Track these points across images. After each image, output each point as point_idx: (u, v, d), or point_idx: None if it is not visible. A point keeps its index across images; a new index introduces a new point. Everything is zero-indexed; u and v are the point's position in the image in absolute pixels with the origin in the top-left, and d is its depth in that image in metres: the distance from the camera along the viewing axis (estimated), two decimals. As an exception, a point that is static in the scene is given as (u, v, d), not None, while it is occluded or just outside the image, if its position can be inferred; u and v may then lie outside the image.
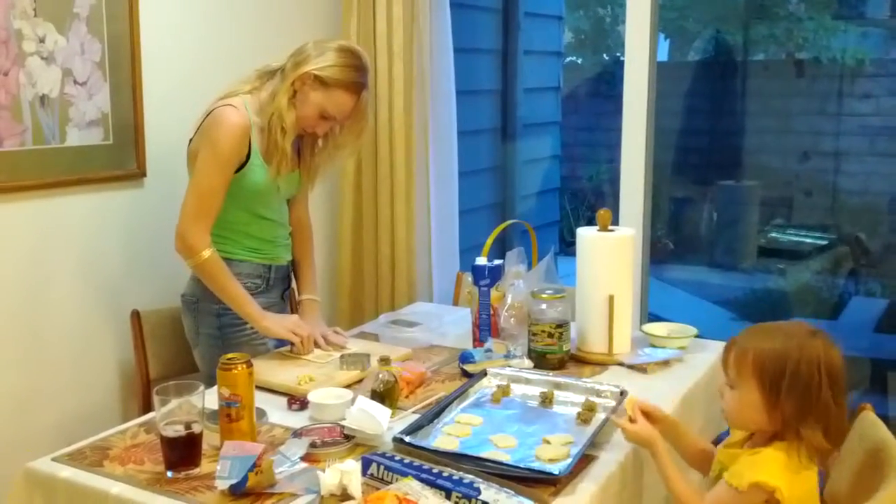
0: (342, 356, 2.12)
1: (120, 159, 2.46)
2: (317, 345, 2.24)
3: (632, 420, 1.67)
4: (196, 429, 1.59)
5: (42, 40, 2.23)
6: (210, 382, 1.70)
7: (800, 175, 4.30)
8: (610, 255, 2.22)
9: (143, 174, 2.51)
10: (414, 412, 1.86)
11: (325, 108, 2.16)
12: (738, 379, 1.52)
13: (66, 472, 1.60)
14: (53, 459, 1.65)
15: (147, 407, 2.31)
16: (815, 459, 1.49)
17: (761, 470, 1.47)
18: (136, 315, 2.44)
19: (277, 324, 2.19)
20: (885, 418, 1.75)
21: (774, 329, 1.55)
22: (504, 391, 1.96)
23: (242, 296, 2.17)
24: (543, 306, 2.17)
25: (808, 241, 4.34)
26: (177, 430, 1.57)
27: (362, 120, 2.25)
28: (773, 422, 1.50)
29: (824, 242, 4.30)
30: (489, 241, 2.44)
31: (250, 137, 2.15)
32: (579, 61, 5.45)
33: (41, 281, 2.30)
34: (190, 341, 2.30)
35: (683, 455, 1.76)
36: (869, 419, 1.73)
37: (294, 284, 2.45)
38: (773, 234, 4.45)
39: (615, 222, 2.30)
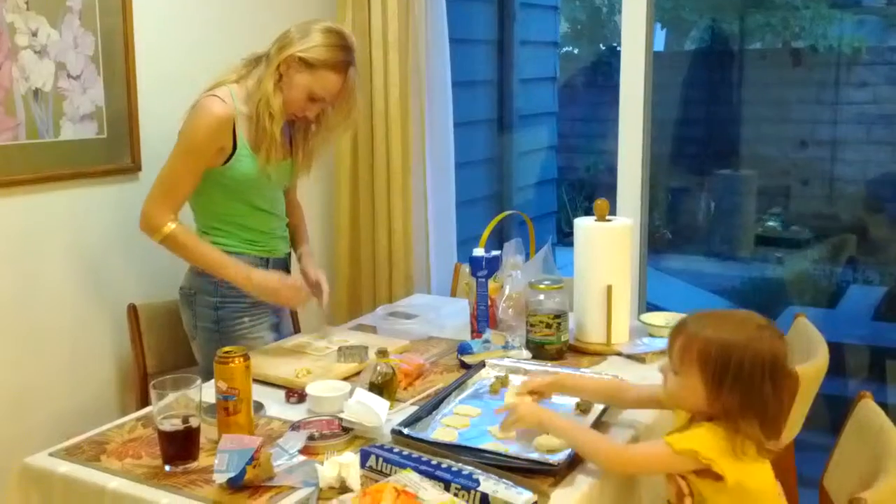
0: (340, 348, 2.12)
1: (114, 153, 2.45)
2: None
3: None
4: (193, 422, 1.58)
5: (35, 34, 2.21)
6: (208, 376, 1.70)
7: (797, 164, 4.29)
8: (608, 245, 2.21)
9: (138, 168, 2.50)
10: (412, 404, 1.86)
11: (313, 90, 2.14)
12: (681, 366, 1.50)
13: (64, 468, 1.60)
14: (50, 454, 1.65)
15: (144, 401, 2.31)
16: (759, 452, 1.47)
17: (699, 441, 1.46)
18: (132, 309, 2.43)
19: (269, 292, 2.19)
20: (884, 406, 1.75)
21: (724, 318, 1.53)
22: (502, 382, 1.96)
23: (219, 259, 2.16)
24: (541, 297, 2.16)
25: (806, 229, 4.34)
26: (174, 424, 1.57)
27: (351, 98, 2.22)
28: (712, 409, 1.49)
29: (822, 231, 4.29)
30: (486, 232, 2.43)
31: (235, 128, 2.13)
32: (575, 51, 5.43)
33: (36, 276, 2.29)
34: (188, 334, 2.30)
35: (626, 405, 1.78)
36: (868, 407, 1.73)
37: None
38: (771, 223, 4.45)
39: (613, 212, 2.30)
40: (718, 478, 1.45)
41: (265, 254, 2.27)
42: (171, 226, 2.12)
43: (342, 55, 2.15)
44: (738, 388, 1.45)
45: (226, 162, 2.15)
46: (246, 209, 2.22)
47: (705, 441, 1.46)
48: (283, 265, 2.35)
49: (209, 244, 2.19)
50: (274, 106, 2.12)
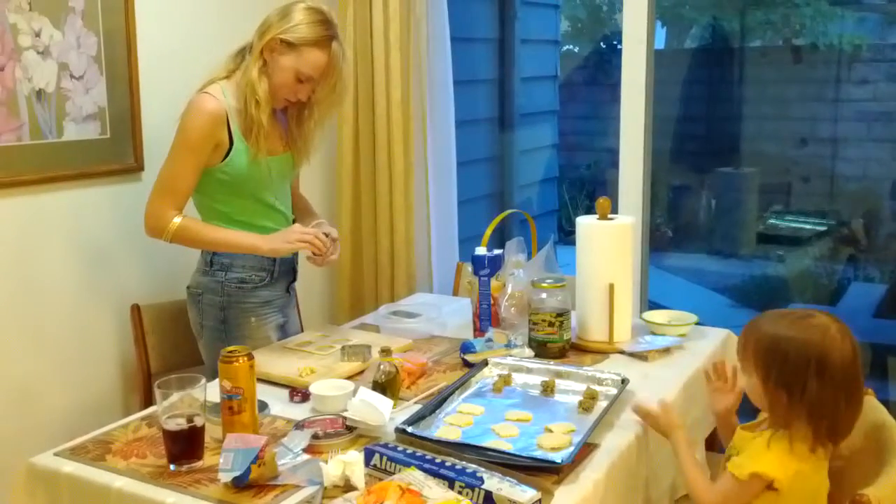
0: (343, 347, 2.12)
1: (117, 153, 2.46)
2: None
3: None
4: (198, 422, 1.58)
5: (38, 34, 2.22)
6: (214, 375, 1.70)
7: (798, 161, 4.29)
8: (610, 243, 2.22)
9: (141, 168, 2.51)
10: (416, 402, 1.86)
11: (300, 70, 2.12)
12: (743, 362, 1.54)
13: (69, 467, 1.60)
14: (56, 454, 1.65)
15: (148, 401, 2.31)
16: (820, 451, 1.49)
17: (760, 459, 1.49)
18: (136, 309, 2.44)
19: (281, 242, 2.15)
20: (885, 403, 1.76)
21: (788, 315, 1.54)
22: (505, 380, 1.96)
23: (234, 236, 2.17)
24: (544, 295, 2.17)
25: (808, 226, 4.34)
26: (179, 424, 1.57)
27: (335, 72, 2.17)
28: (768, 407, 1.52)
29: (823, 228, 4.30)
30: (488, 231, 2.43)
31: (229, 124, 2.13)
32: (576, 50, 5.43)
33: (40, 276, 2.30)
34: (195, 333, 2.30)
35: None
36: (870, 404, 1.73)
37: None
38: (772, 221, 4.45)
39: (614, 211, 2.30)
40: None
41: (272, 254, 2.26)
42: (176, 220, 2.12)
43: (323, 30, 2.12)
44: (782, 381, 1.46)
45: (224, 158, 2.15)
46: (251, 205, 2.22)
47: (765, 456, 1.49)
48: (291, 265, 2.35)
49: (218, 226, 2.19)
50: (259, 92, 2.11)
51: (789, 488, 1.48)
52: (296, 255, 2.36)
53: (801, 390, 1.45)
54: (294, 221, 2.34)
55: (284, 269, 2.32)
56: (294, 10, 2.13)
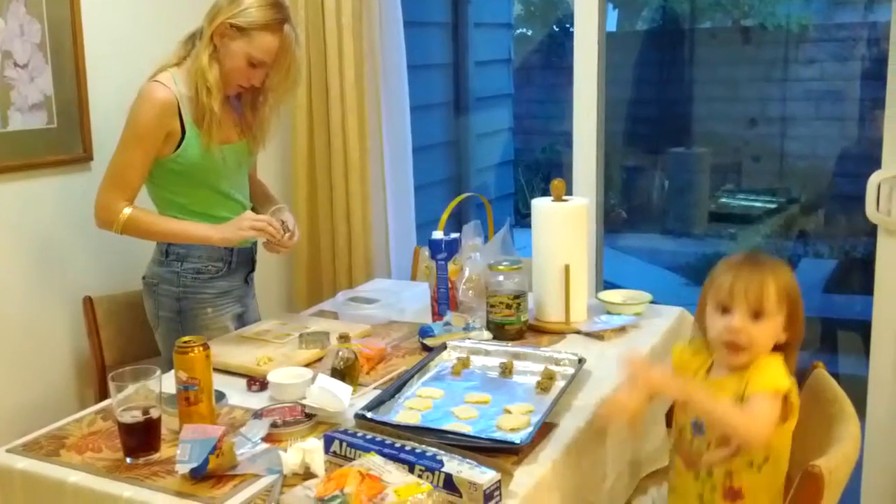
0: (301, 335, 2.11)
1: (65, 143, 2.41)
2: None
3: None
4: (154, 414, 1.57)
5: (-22, 22, 2.16)
6: (171, 366, 1.68)
7: (748, 141, 4.36)
8: (565, 224, 2.23)
9: (90, 157, 2.46)
10: (375, 388, 1.86)
11: (251, 55, 2.08)
12: (775, 306, 1.55)
13: (22, 463, 1.57)
14: (8, 451, 1.62)
15: (103, 394, 2.28)
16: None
17: (777, 376, 1.53)
18: (88, 301, 2.40)
19: (233, 230, 2.12)
20: (835, 376, 1.79)
21: (775, 262, 1.62)
22: (464, 363, 1.97)
23: (185, 227, 2.15)
24: (501, 278, 2.18)
25: (758, 205, 4.41)
26: (134, 416, 1.55)
27: (288, 55, 2.13)
28: (778, 341, 1.59)
29: (773, 206, 4.37)
30: (445, 215, 2.43)
31: (180, 112, 2.10)
32: (529, 33, 5.44)
33: (-12, 270, 2.25)
34: (151, 324, 2.28)
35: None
36: (821, 377, 1.78)
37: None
38: (724, 200, 4.52)
39: (569, 192, 2.32)
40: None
41: (225, 243, 2.23)
42: (126, 212, 2.09)
43: (274, 13, 2.08)
44: (801, 310, 1.59)
45: (176, 149, 2.12)
46: (206, 195, 2.19)
47: (779, 373, 1.54)
48: (249, 255, 2.33)
49: (170, 217, 2.16)
50: (210, 79, 2.07)
51: (795, 402, 1.55)
52: (254, 244, 2.34)
53: (803, 317, 1.60)
54: (253, 209, 2.32)
55: (242, 259, 2.29)
56: None
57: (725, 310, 1.56)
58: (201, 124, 2.10)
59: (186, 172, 2.15)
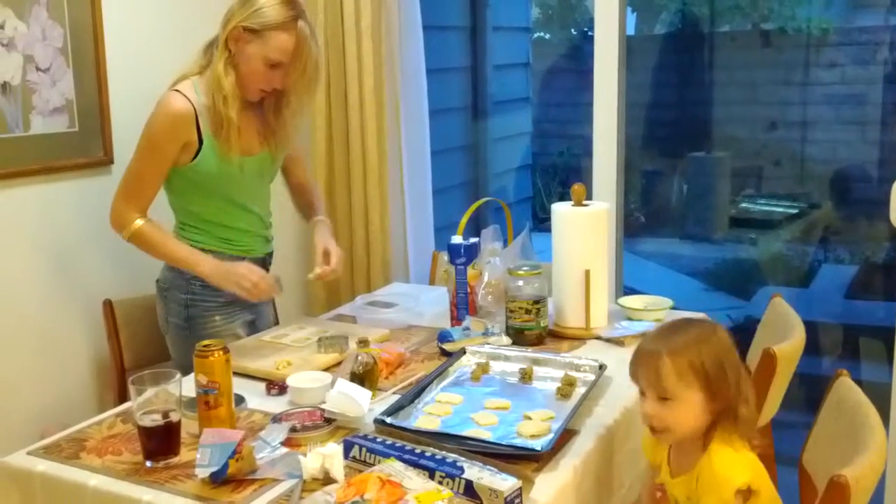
0: (320, 339, 2.11)
1: (86, 146, 2.42)
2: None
3: None
4: (174, 417, 1.57)
5: (1, 27, 2.18)
6: (181, 371, 1.67)
7: (768, 145, 4.32)
8: (585, 229, 2.22)
9: (111, 161, 2.47)
10: (394, 393, 1.86)
11: (268, 56, 2.04)
12: (678, 387, 1.44)
13: (43, 466, 1.58)
14: (29, 453, 1.63)
15: (123, 397, 2.29)
16: (748, 440, 1.48)
17: (727, 474, 1.42)
18: (108, 304, 2.41)
19: (230, 283, 2.08)
20: (858, 382, 1.77)
21: (682, 327, 1.52)
22: (483, 369, 1.96)
23: (186, 257, 2.12)
24: (520, 283, 2.17)
25: (779, 210, 4.38)
26: (154, 420, 1.55)
27: (304, 52, 2.07)
28: (708, 417, 1.46)
29: (794, 211, 4.34)
30: (464, 220, 2.43)
31: (198, 123, 2.07)
32: (547, 37, 5.43)
33: (8, 272, 2.26)
34: (161, 329, 2.28)
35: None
36: (846, 384, 1.75)
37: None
38: (744, 204, 4.49)
39: (588, 197, 2.30)
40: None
41: (241, 253, 2.22)
42: (138, 223, 2.09)
43: (286, 11, 2.04)
44: (731, 376, 1.45)
45: (194, 158, 2.09)
46: (222, 205, 2.18)
47: (730, 468, 1.42)
48: (262, 265, 2.29)
49: (178, 241, 2.15)
50: (225, 86, 2.04)
51: (766, 486, 1.45)
52: (269, 253, 2.32)
53: (741, 376, 1.47)
54: (307, 211, 2.38)
55: None
56: None
57: (641, 392, 1.50)
58: (219, 134, 2.08)
59: (202, 182, 2.13)
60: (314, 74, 2.13)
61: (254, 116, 2.18)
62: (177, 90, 2.08)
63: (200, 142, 2.09)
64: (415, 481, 1.37)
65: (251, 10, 2.03)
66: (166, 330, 2.26)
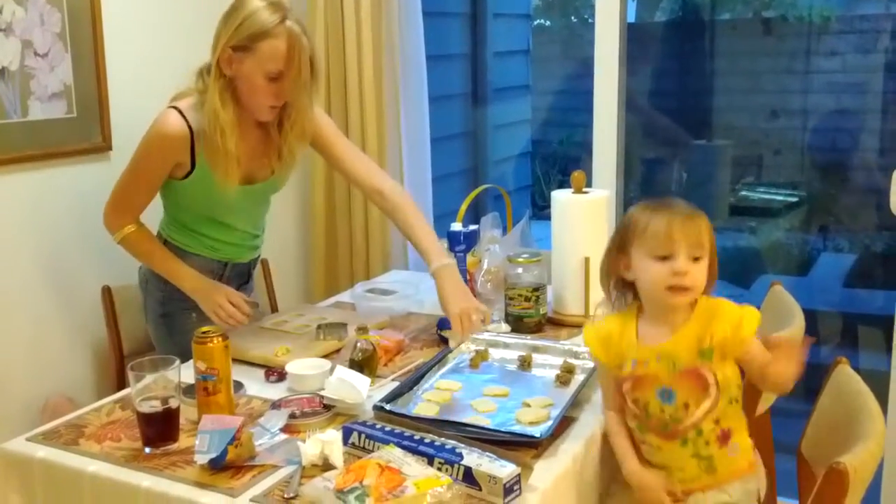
0: (319, 326, 2.11)
1: (85, 132, 2.41)
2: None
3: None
4: (173, 404, 1.57)
5: (0, 11, 2.17)
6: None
7: (769, 133, 4.31)
8: (585, 217, 2.22)
9: (109, 147, 2.46)
10: (393, 380, 1.86)
11: (265, 69, 1.90)
12: (706, 248, 1.58)
13: (42, 452, 1.58)
14: (28, 439, 1.63)
15: (122, 384, 2.29)
16: None
17: (741, 313, 1.57)
18: (107, 291, 2.41)
19: (209, 304, 2.05)
20: (857, 371, 1.77)
21: (686, 203, 1.65)
22: (482, 356, 1.96)
23: (173, 272, 2.09)
24: (520, 270, 2.17)
25: (779, 198, 4.37)
26: (153, 406, 1.56)
27: (297, 57, 1.91)
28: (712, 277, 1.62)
29: (794, 200, 4.34)
30: (464, 207, 2.42)
31: (193, 146, 1.98)
32: (548, 24, 5.41)
33: (6, 258, 2.26)
34: (144, 318, 2.25)
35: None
36: (845, 372, 1.75)
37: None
38: (744, 193, 4.48)
39: (588, 185, 2.30)
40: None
41: (226, 258, 2.19)
42: (128, 228, 2.07)
43: (270, 16, 1.89)
44: (716, 256, 1.62)
45: (185, 177, 2.03)
46: (208, 222, 2.13)
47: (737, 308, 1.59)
48: (245, 269, 2.27)
49: (165, 251, 2.12)
50: (223, 119, 1.93)
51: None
52: (254, 259, 2.29)
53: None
54: (409, 237, 2.14)
55: (236, 273, 2.23)
56: (237, 6, 1.93)
57: (664, 257, 1.56)
58: (217, 164, 1.97)
59: (189, 202, 2.09)
60: (308, 79, 1.98)
61: (258, 140, 2.09)
62: (176, 107, 1.99)
63: (193, 164, 2.01)
64: (414, 468, 1.37)
65: (235, 26, 1.90)
66: (146, 321, 2.24)
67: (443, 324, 2.12)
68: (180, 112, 1.98)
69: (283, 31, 1.90)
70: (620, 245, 1.63)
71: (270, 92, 1.95)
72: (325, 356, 1.96)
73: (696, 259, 1.56)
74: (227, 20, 1.93)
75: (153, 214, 2.14)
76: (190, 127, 1.98)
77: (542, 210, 4.66)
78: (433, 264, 2.01)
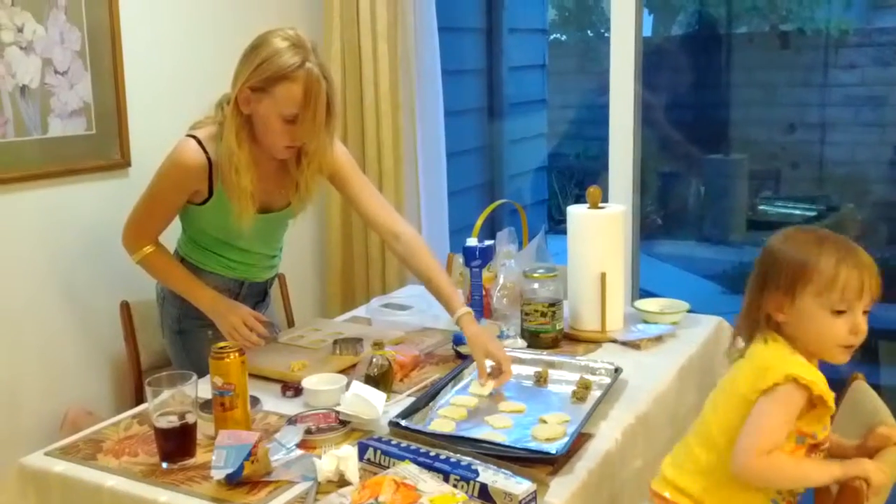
0: (335, 341, 2.11)
1: (104, 149, 2.44)
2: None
3: None
4: (190, 419, 1.58)
5: (20, 30, 2.19)
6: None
7: (786, 147, 4.29)
8: (601, 232, 2.21)
9: (128, 163, 2.49)
10: (409, 395, 1.86)
11: (281, 112, 1.89)
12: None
13: (60, 467, 1.59)
14: (46, 454, 1.64)
15: (139, 398, 2.30)
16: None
17: (787, 361, 1.43)
18: (125, 306, 2.42)
19: (224, 324, 2.04)
20: (876, 387, 1.76)
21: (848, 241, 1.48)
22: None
23: (191, 291, 2.09)
24: (535, 285, 2.16)
25: (797, 212, 4.35)
26: (170, 421, 1.56)
27: (313, 100, 1.88)
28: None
29: (813, 213, 4.31)
30: (479, 222, 2.43)
31: (211, 175, 1.99)
32: (563, 38, 5.42)
33: (26, 274, 2.28)
34: (161, 334, 2.27)
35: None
36: (861, 388, 1.74)
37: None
38: (762, 207, 4.46)
39: (604, 199, 2.30)
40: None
41: (241, 277, 2.19)
42: (146, 249, 2.08)
43: (291, 58, 1.86)
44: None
45: (203, 202, 2.04)
46: (226, 245, 2.14)
47: (789, 360, 1.43)
48: (262, 288, 2.27)
49: (183, 270, 2.12)
50: (238, 160, 1.93)
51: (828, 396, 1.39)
52: (271, 278, 2.29)
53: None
54: (427, 284, 2.09)
55: (252, 292, 2.24)
56: (258, 44, 1.90)
57: (842, 311, 1.41)
58: (233, 195, 1.98)
59: (206, 228, 2.10)
60: (322, 124, 1.94)
61: (276, 171, 2.08)
62: (195, 136, 1.98)
63: (211, 191, 2.02)
64: (429, 484, 1.37)
65: (255, 66, 1.88)
66: (163, 336, 2.25)
67: (458, 339, 2.12)
68: (199, 142, 1.98)
69: (301, 76, 1.87)
70: (787, 286, 1.43)
71: (286, 133, 1.94)
72: (341, 371, 1.96)
73: (865, 313, 1.43)
74: (247, 58, 1.92)
75: (171, 232, 2.16)
76: (208, 157, 1.98)
77: (558, 224, 4.65)
78: (457, 312, 1.98)
